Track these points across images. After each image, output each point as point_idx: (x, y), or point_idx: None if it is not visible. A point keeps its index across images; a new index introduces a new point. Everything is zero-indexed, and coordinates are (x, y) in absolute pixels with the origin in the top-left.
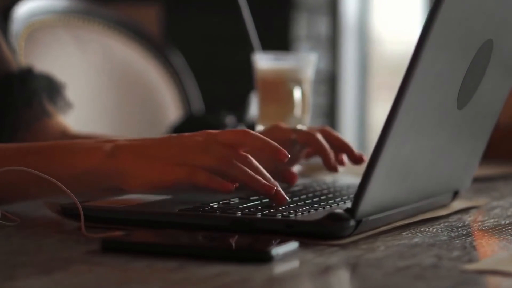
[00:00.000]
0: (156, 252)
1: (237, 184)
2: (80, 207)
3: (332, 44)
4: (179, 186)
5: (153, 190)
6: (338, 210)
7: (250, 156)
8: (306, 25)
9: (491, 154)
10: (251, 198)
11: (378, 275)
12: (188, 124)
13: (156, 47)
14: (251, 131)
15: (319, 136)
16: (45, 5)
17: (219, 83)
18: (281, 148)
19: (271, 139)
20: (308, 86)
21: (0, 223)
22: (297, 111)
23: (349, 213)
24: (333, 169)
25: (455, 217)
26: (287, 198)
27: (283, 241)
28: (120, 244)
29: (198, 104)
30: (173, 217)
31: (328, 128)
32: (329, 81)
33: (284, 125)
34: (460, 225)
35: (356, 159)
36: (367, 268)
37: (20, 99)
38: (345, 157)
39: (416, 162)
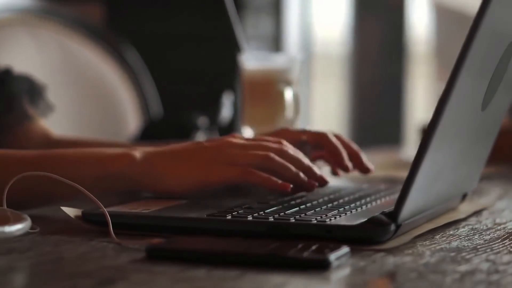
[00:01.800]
0: (209, 260)
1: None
2: (107, 214)
3: (276, 44)
4: (227, 185)
5: (194, 191)
6: (378, 215)
7: (287, 148)
8: (253, 25)
9: None
10: (271, 202)
11: (448, 281)
12: (160, 124)
13: (113, 46)
14: (285, 142)
15: (331, 136)
16: (3, 3)
17: (168, 83)
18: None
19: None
20: (298, 87)
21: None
22: (289, 112)
23: (390, 217)
24: (345, 168)
25: (473, 220)
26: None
27: (335, 247)
28: (172, 252)
29: (156, 104)
30: (206, 222)
31: (340, 134)
32: None
33: (291, 127)
34: (484, 228)
35: (363, 169)
36: (432, 275)
37: (0, 103)
38: (349, 164)
39: (445, 166)
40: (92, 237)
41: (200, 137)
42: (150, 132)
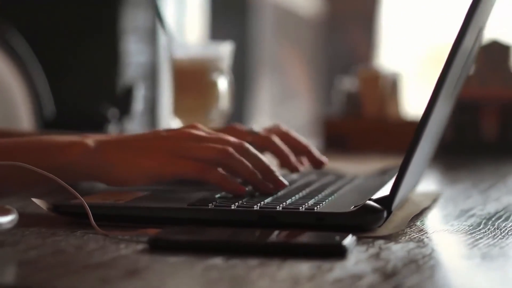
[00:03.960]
0: (220, 250)
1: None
2: (87, 207)
3: (153, 37)
4: (182, 178)
5: (147, 183)
6: (369, 202)
7: (246, 145)
8: (133, 18)
9: (351, 146)
10: None
11: (474, 265)
12: (66, 115)
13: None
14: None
15: (276, 139)
16: None
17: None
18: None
19: None
20: (230, 77)
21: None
22: (223, 103)
23: (381, 204)
24: (294, 170)
25: (437, 207)
26: (287, 183)
27: (343, 234)
28: (179, 243)
29: (47, 97)
30: (194, 212)
31: (287, 129)
32: (152, 75)
33: (239, 126)
34: (456, 215)
35: (316, 163)
36: (456, 260)
37: None
38: (304, 159)
39: (420, 156)
40: (72, 229)
41: (112, 129)
42: (56, 122)
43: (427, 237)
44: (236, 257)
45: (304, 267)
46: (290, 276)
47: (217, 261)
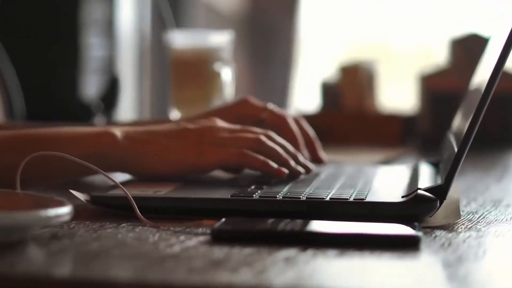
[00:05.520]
0: (289, 241)
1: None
2: (131, 199)
3: (110, 29)
4: (219, 167)
5: (186, 172)
6: (420, 191)
7: (272, 133)
8: (93, 10)
9: (330, 138)
10: (272, 181)
11: None
12: (54, 108)
13: None
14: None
15: (291, 121)
16: None
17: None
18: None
19: (241, 115)
20: (233, 67)
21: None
22: (227, 94)
23: (435, 194)
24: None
25: (467, 197)
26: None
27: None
28: (247, 234)
29: (17, 91)
30: (237, 203)
31: (301, 118)
32: (109, 68)
33: (253, 100)
34: (492, 204)
35: (317, 159)
36: None
37: None
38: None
39: None
40: (116, 221)
41: (99, 120)
42: (43, 115)
43: (483, 227)
44: (311, 248)
45: (384, 257)
46: (377, 266)
47: (292, 252)
